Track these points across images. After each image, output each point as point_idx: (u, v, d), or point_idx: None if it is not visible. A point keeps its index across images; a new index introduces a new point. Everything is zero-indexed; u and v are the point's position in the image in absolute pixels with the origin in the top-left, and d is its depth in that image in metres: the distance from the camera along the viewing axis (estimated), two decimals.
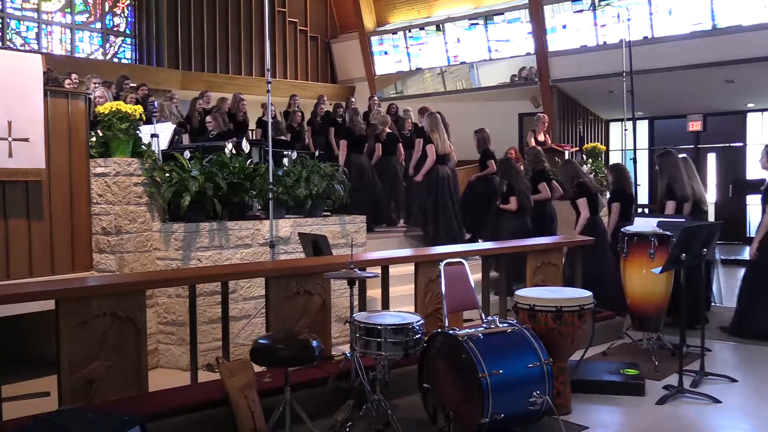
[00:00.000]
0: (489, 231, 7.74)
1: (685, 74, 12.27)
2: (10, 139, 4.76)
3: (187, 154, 5.83)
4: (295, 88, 13.98)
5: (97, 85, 8.46)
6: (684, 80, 12.48)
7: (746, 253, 7.06)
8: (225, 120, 9.10)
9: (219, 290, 4.73)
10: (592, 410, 4.44)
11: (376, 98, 11.69)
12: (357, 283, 4.52)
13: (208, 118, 8.97)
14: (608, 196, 7.42)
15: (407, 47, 16.18)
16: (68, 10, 13.50)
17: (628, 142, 10.14)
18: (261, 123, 10.29)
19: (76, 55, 13.48)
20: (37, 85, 4.96)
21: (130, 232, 5.35)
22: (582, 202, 6.74)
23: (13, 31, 12.74)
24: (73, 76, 8.46)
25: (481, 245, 6.26)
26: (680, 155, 7.06)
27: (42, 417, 2.97)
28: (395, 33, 16.43)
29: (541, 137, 10.25)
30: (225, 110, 10.01)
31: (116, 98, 8.08)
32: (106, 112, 5.40)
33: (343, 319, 5.46)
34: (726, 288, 8.01)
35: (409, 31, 16.15)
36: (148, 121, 6.17)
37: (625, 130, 10.05)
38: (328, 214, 6.73)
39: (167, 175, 5.46)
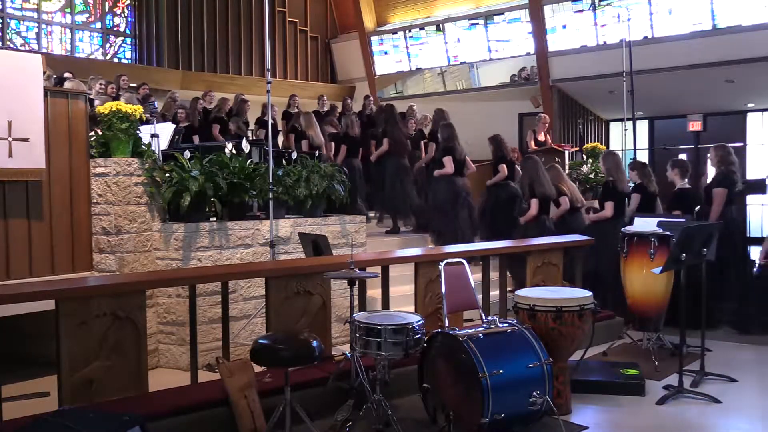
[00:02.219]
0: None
1: (685, 74, 12.27)
2: (10, 139, 4.76)
3: (187, 154, 5.83)
4: (295, 88, 13.99)
5: (102, 86, 8.50)
6: (684, 80, 12.48)
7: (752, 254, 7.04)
8: (240, 125, 9.25)
9: (219, 290, 4.73)
10: (592, 410, 4.44)
11: (371, 98, 11.68)
12: (357, 283, 4.52)
13: (231, 125, 9.10)
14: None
15: (407, 47, 16.18)
16: (68, 10, 13.50)
17: (628, 142, 10.15)
18: (261, 122, 10.31)
19: (76, 55, 13.49)
20: (37, 85, 4.96)
21: (130, 232, 5.35)
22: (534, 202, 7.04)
23: (13, 31, 12.75)
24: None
25: (481, 245, 6.25)
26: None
27: (42, 417, 2.97)
28: (395, 33, 16.43)
29: (541, 137, 10.26)
30: (226, 110, 10.03)
31: (116, 98, 8.10)
32: (106, 112, 5.40)
33: (343, 319, 5.46)
34: None
35: (409, 31, 16.16)
36: (149, 120, 6.18)
37: (625, 130, 10.07)
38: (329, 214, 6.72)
39: (167, 175, 5.46)
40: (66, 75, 8.45)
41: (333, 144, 8.96)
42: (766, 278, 6.34)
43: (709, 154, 6.82)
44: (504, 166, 8.29)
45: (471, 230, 8.05)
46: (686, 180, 6.78)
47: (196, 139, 8.93)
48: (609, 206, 6.76)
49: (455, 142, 8.06)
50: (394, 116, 9.02)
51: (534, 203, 7.05)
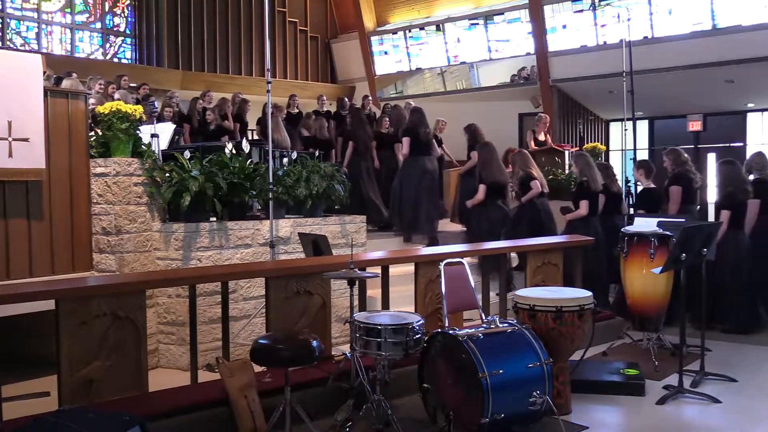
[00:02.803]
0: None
1: (685, 74, 12.27)
2: (10, 139, 4.75)
3: (187, 154, 5.83)
4: (295, 88, 13.99)
5: (101, 86, 8.50)
6: (684, 80, 12.48)
7: None
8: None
9: (219, 290, 4.74)
10: (592, 410, 4.44)
11: (370, 98, 11.68)
12: (357, 283, 4.52)
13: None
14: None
15: (407, 47, 16.18)
16: (68, 10, 13.50)
17: (628, 142, 10.13)
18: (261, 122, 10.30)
19: (76, 55, 13.49)
20: (37, 85, 4.96)
21: (130, 232, 5.35)
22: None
23: (13, 31, 12.75)
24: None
25: (481, 245, 6.25)
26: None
27: (42, 417, 2.97)
28: (395, 33, 16.43)
29: (541, 137, 10.26)
30: (226, 111, 10.03)
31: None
32: (106, 112, 5.40)
33: (343, 319, 5.46)
34: None
35: (409, 31, 16.16)
36: (150, 120, 6.18)
37: (625, 130, 10.04)
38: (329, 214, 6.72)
39: (167, 175, 5.46)
40: (73, 75, 8.44)
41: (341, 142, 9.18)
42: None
43: (664, 160, 7.21)
44: (476, 153, 8.33)
45: (434, 208, 8.17)
46: (651, 180, 6.99)
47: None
48: (584, 205, 6.95)
49: (418, 125, 8.22)
50: (360, 117, 9.24)
51: (481, 189, 7.25)
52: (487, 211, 7.27)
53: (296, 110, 10.93)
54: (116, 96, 7.78)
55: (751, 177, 6.84)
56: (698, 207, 6.99)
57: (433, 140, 8.56)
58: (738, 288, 6.37)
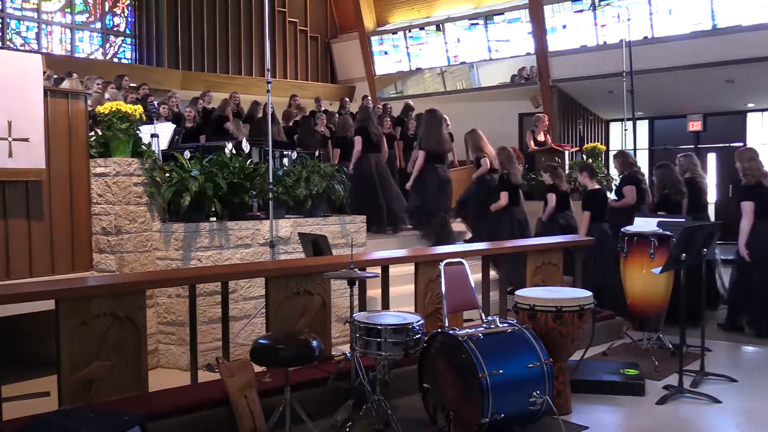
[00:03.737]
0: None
1: (685, 74, 12.27)
2: (10, 139, 4.75)
3: (187, 154, 5.83)
4: (295, 88, 13.99)
5: (99, 86, 8.50)
6: (684, 80, 12.48)
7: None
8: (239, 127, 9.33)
9: (219, 290, 4.74)
10: (592, 410, 4.44)
11: (368, 98, 11.68)
12: (357, 283, 4.52)
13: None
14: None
15: (407, 47, 16.18)
16: (68, 10, 13.50)
17: (628, 142, 10.15)
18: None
19: (76, 55, 13.49)
20: (37, 85, 4.95)
21: (130, 232, 5.35)
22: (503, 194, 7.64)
23: (13, 31, 12.75)
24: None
25: (481, 245, 6.25)
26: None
27: (42, 417, 2.97)
28: (395, 33, 16.43)
29: (540, 137, 10.25)
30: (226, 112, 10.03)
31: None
32: (106, 112, 5.40)
33: (343, 319, 5.46)
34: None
35: (409, 31, 16.16)
36: (149, 120, 6.19)
37: (625, 130, 10.06)
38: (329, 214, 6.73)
39: (167, 175, 5.46)
40: (73, 76, 8.45)
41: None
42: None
43: (613, 164, 7.79)
44: (423, 119, 8.58)
45: (391, 200, 8.23)
46: (595, 181, 7.27)
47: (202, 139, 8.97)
48: (504, 196, 7.61)
49: (368, 123, 8.41)
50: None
51: (421, 155, 7.96)
52: (426, 176, 7.99)
53: (295, 111, 10.87)
54: (106, 96, 7.77)
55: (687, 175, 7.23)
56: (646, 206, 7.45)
57: (383, 138, 8.75)
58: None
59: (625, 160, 7.57)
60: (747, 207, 6.19)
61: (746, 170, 6.25)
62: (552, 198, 7.38)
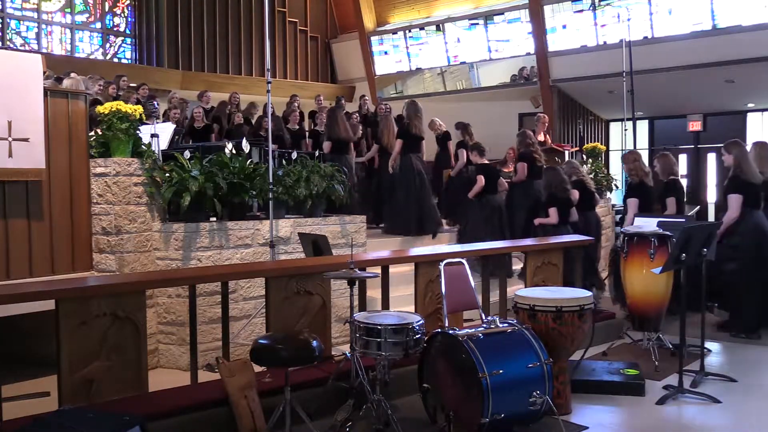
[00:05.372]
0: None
1: (685, 74, 12.28)
2: (10, 139, 4.75)
3: (187, 154, 5.83)
4: (295, 88, 14.00)
5: (101, 87, 8.51)
6: (684, 80, 12.48)
7: None
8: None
9: (219, 290, 4.73)
10: (592, 410, 4.44)
11: (366, 98, 11.67)
12: (357, 283, 4.51)
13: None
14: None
15: (407, 47, 16.19)
16: (68, 10, 13.51)
17: (628, 142, 10.15)
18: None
19: (76, 55, 13.50)
20: (37, 85, 4.96)
21: (130, 232, 5.35)
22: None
23: (13, 31, 12.75)
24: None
25: (481, 245, 6.25)
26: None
27: (42, 417, 2.97)
28: (395, 33, 16.44)
29: (540, 137, 10.24)
30: (227, 113, 10.03)
31: (116, 98, 8.10)
32: (106, 112, 5.40)
33: (343, 319, 5.46)
34: None
35: (409, 31, 16.16)
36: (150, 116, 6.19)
37: (625, 130, 10.06)
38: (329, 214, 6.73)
39: (167, 175, 5.46)
40: (72, 75, 8.45)
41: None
42: None
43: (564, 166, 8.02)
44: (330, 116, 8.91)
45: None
46: (484, 158, 8.08)
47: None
48: (480, 180, 8.01)
49: (335, 126, 8.68)
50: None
51: (374, 148, 8.59)
52: (332, 159, 8.19)
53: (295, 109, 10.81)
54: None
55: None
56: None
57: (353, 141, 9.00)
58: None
59: (523, 139, 8.33)
60: (631, 203, 6.80)
61: (631, 170, 6.91)
62: (481, 179, 7.97)
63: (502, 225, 8.01)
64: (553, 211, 7.02)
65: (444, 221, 8.69)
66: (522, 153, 8.31)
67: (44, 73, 6.35)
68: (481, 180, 7.91)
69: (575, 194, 7.28)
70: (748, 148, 6.77)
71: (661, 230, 5.58)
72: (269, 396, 3.90)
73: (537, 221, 7.16)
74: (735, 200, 6.25)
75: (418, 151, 8.41)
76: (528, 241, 6.44)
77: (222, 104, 10.31)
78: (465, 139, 9.16)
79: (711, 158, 14.84)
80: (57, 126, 5.17)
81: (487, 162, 8.15)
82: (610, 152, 14.48)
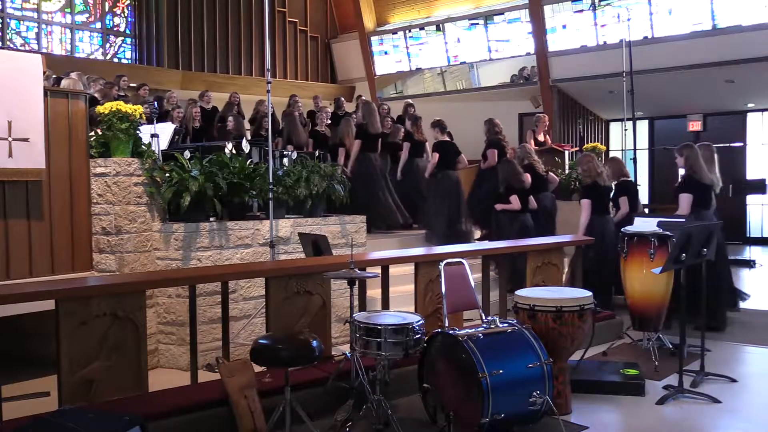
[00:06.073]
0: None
1: (685, 74, 12.27)
2: (10, 139, 4.75)
3: (187, 154, 5.84)
4: (295, 88, 13.98)
5: (101, 87, 8.51)
6: (684, 80, 12.47)
7: (746, 253, 7.18)
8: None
9: (219, 290, 4.74)
10: (592, 410, 4.44)
11: (363, 98, 11.65)
12: (357, 283, 4.51)
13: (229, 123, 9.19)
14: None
15: (407, 47, 16.17)
16: (68, 10, 13.50)
17: (628, 142, 10.14)
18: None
19: (76, 55, 13.48)
20: (37, 85, 4.96)
21: (130, 232, 5.35)
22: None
23: (13, 31, 12.74)
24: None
25: (481, 245, 6.26)
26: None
27: (42, 417, 2.97)
28: (395, 33, 16.42)
29: (540, 137, 10.25)
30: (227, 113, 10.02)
31: (117, 98, 8.10)
32: (106, 112, 5.40)
33: (343, 319, 5.46)
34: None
35: (409, 31, 16.15)
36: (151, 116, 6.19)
37: (625, 130, 10.05)
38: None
39: (167, 175, 5.46)
40: (72, 75, 8.43)
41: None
42: None
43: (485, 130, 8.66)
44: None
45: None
46: (444, 135, 8.47)
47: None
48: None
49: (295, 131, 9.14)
50: (295, 121, 9.42)
51: (357, 143, 8.54)
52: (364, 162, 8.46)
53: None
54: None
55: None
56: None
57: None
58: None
59: (491, 127, 8.65)
60: (584, 204, 6.92)
61: (585, 172, 7.07)
62: (435, 156, 8.31)
63: (459, 202, 8.33)
64: (514, 198, 7.41)
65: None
66: (490, 140, 8.61)
67: (44, 73, 6.35)
68: (435, 157, 8.28)
69: (528, 178, 7.65)
70: (750, 148, 6.82)
71: (661, 230, 5.58)
72: (269, 396, 3.90)
73: (498, 207, 7.49)
74: (685, 199, 6.41)
75: (377, 150, 8.62)
76: (528, 241, 6.44)
77: (228, 105, 10.30)
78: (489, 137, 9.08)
79: None
80: (57, 126, 5.17)
81: (447, 139, 8.56)
82: (610, 152, 14.45)
